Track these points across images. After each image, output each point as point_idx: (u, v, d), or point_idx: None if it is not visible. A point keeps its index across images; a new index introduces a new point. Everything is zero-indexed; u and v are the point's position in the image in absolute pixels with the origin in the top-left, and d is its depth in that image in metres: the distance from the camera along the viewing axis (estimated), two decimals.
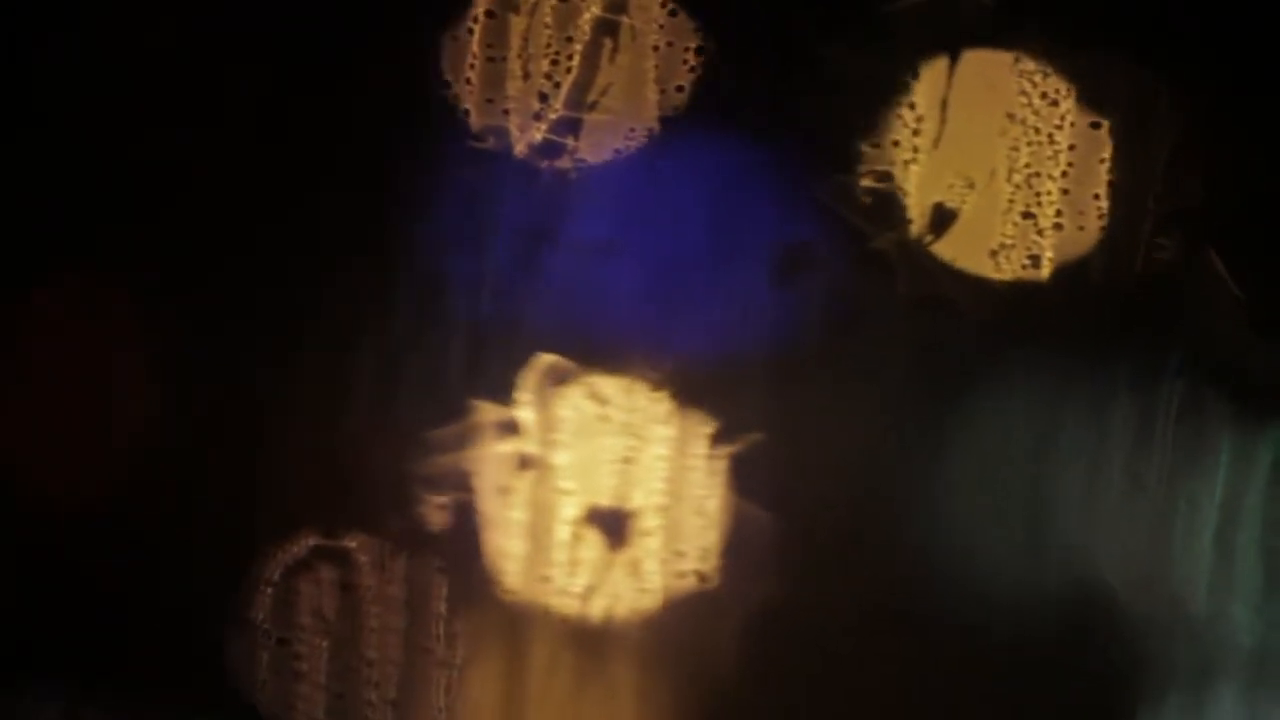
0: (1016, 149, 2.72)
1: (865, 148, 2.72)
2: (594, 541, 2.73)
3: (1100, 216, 2.71)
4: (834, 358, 2.72)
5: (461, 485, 2.73)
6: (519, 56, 2.71)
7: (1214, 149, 2.69)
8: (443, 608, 2.74)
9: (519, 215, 2.74)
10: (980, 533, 2.73)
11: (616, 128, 2.73)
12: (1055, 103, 2.71)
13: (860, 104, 2.72)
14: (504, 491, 2.74)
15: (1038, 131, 2.71)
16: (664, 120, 2.71)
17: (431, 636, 2.74)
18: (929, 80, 2.72)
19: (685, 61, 2.71)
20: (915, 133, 2.72)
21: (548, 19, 2.72)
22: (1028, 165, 2.71)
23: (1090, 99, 2.70)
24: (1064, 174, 2.71)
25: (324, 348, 2.73)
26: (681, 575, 2.73)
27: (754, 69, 2.70)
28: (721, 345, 2.72)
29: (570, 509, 2.73)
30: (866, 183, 2.72)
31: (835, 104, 2.70)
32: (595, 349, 2.72)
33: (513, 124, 2.72)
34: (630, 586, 2.74)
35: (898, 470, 2.73)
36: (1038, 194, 2.71)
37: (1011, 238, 2.72)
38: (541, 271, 2.73)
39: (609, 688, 2.76)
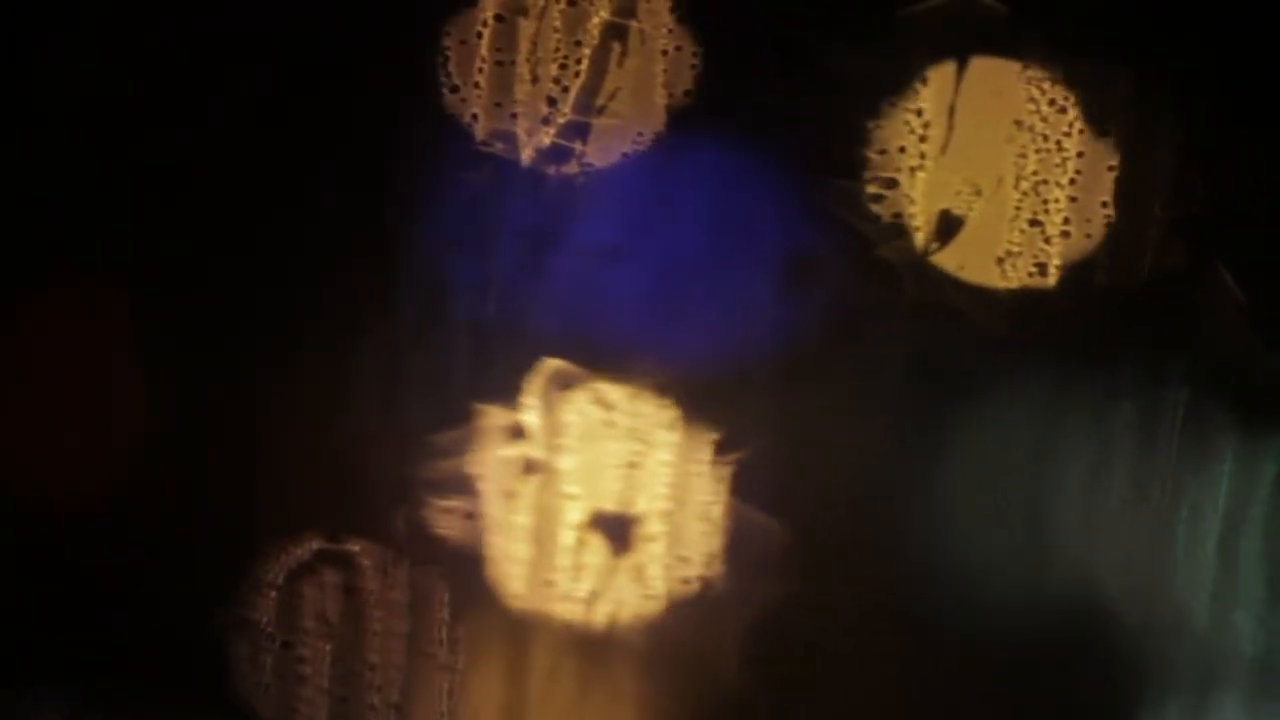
0: (1024, 156, 2.71)
1: (871, 154, 2.71)
2: (598, 547, 2.73)
3: (1107, 224, 2.71)
4: (839, 363, 2.71)
5: (465, 489, 2.73)
6: (527, 60, 2.69)
7: (1220, 156, 2.68)
8: (446, 612, 2.73)
9: (524, 218, 2.73)
10: (982, 538, 2.73)
11: (624, 132, 2.71)
12: (1063, 110, 2.69)
13: (867, 110, 2.71)
14: (508, 496, 2.73)
15: (1045, 139, 2.70)
16: (670, 125, 2.70)
17: (434, 641, 2.74)
18: (936, 86, 2.71)
19: (693, 66, 2.70)
20: (922, 139, 2.71)
21: (557, 23, 2.69)
22: (1035, 172, 2.70)
23: (1094, 109, 2.69)
24: (1072, 181, 2.70)
25: (324, 348, 2.72)
26: (685, 581, 2.73)
27: (757, 74, 2.69)
28: (726, 350, 2.72)
29: (574, 514, 2.72)
30: (873, 189, 2.72)
31: (842, 110, 2.69)
32: (600, 353, 2.71)
33: (520, 128, 2.70)
34: (634, 592, 2.73)
35: (901, 475, 2.73)
36: (1045, 201, 2.71)
37: (1018, 245, 2.71)
38: (546, 275, 2.72)
39: (612, 693, 2.76)
